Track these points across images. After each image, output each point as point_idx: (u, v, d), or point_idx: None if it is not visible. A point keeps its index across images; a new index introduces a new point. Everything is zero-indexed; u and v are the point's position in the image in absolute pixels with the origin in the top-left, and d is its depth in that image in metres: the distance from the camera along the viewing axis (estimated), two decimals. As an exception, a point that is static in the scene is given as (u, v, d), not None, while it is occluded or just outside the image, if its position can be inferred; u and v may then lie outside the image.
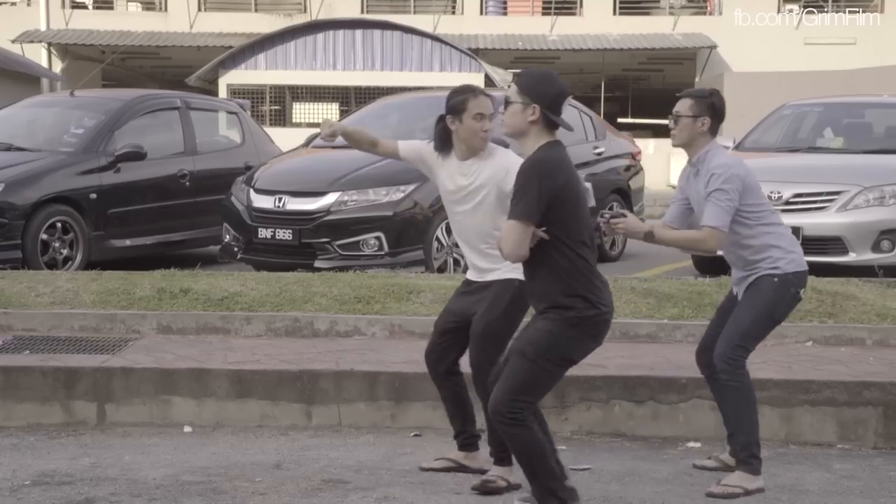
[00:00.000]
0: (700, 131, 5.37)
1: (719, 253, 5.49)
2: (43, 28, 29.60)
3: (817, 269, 9.06)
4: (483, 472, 5.38)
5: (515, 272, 5.09)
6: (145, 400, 6.45)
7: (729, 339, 5.29)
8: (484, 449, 5.43)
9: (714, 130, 5.42)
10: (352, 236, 9.97)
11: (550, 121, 4.54)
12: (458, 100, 5.26)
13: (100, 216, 10.81)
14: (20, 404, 6.45)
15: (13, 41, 27.56)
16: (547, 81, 4.61)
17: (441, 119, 5.33)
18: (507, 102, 4.60)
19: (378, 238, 9.98)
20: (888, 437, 6.16)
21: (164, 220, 11.49)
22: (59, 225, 10.44)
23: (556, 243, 4.45)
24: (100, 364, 6.58)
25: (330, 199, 10.09)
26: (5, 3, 31.75)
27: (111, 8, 31.92)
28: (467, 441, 5.53)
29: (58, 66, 29.28)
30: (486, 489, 5.19)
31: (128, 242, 11.11)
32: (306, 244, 10.08)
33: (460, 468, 5.51)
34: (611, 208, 5.29)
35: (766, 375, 6.38)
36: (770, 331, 5.46)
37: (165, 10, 30.91)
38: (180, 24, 30.04)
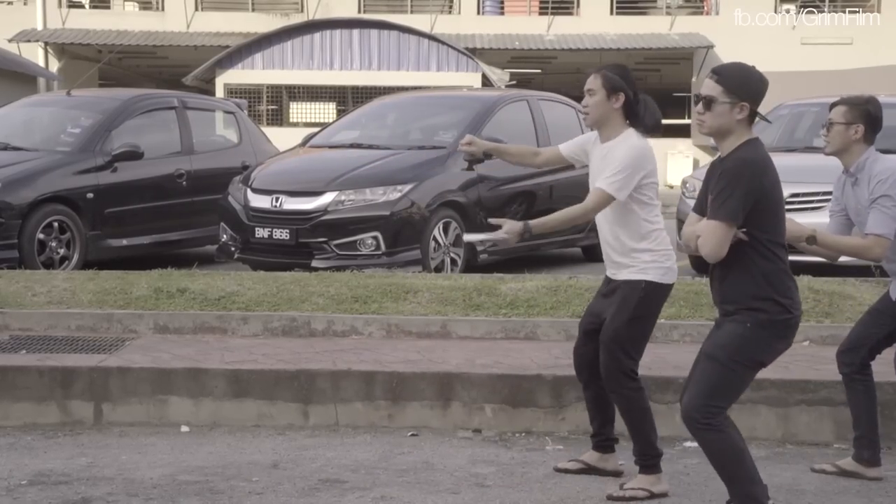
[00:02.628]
0: (853, 139, 5.26)
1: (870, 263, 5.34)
2: (39, 27, 29.58)
3: (814, 269, 9.07)
4: (617, 474, 5.38)
5: (643, 273, 5.07)
6: (142, 399, 6.45)
7: None
8: (619, 453, 5.46)
9: (869, 139, 5.27)
10: (349, 236, 9.97)
11: (753, 117, 4.42)
12: None
13: (97, 216, 10.82)
14: (17, 404, 6.45)
15: (10, 40, 27.54)
16: (752, 77, 4.44)
17: None
18: (711, 102, 4.39)
19: (375, 238, 9.98)
20: (884, 436, 6.12)
21: (161, 220, 11.50)
22: (55, 224, 10.44)
23: (754, 244, 4.35)
24: (96, 364, 6.58)
25: (327, 198, 10.10)
26: (2, 2, 31.72)
27: (108, 7, 31.90)
28: (603, 443, 5.46)
29: (54, 66, 29.25)
30: (623, 498, 5.12)
31: (125, 242, 11.12)
32: (303, 244, 10.09)
33: (593, 470, 5.46)
34: None
35: (762, 375, 6.33)
36: None
37: (162, 9, 30.89)
38: (177, 24, 30.02)
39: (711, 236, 4.31)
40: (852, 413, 5.55)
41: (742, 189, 4.27)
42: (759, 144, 4.45)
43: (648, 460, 5.19)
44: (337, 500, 5.16)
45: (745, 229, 4.33)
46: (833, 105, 5.38)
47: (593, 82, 5.18)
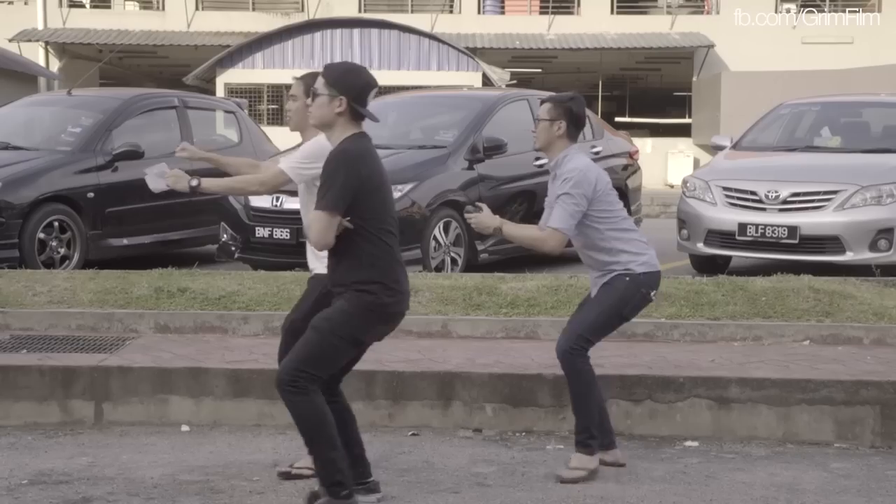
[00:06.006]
0: (557, 135, 5.45)
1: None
2: (40, 27, 29.58)
3: (815, 269, 9.08)
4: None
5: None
6: (143, 399, 6.45)
7: (573, 330, 5.44)
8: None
9: (572, 135, 5.49)
10: (349, 235, 9.95)
11: (356, 113, 4.63)
12: None
13: (97, 215, 10.81)
14: (17, 403, 6.45)
15: (10, 40, 27.53)
16: (353, 74, 4.72)
17: None
18: (315, 94, 4.67)
19: (375, 237, 9.96)
20: (885, 435, 6.16)
21: (161, 219, 11.48)
22: (56, 224, 10.43)
23: (360, 231, 4.57)
24: (97, 363, 6.58)
25: (327, 198, 10.08)
26: (2, 2, 31.72)
27: (108, 7, 31.90)
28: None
29: (55, 65, 29.25)
30: (287, 476, 5.32)
31: (125, 241, 11.11)
32: (304, 243, 10.03)
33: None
34: (474, 205, 5.48)
35: (763, 374, 6.38)
36: (616, 327, 5.57)
37: (163, 8, 30.89)
38: (178, 23, 30.02)
39: (315, 225, 4.54)
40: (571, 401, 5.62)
41: (340, 179, 4.49)
42: (363, 138, 4.66)
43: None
44: (337, 499, 5.16)
45: (349, 217, 4.51)
46: (541, 102, 5.58)
47: (296, 88, 5.33)
